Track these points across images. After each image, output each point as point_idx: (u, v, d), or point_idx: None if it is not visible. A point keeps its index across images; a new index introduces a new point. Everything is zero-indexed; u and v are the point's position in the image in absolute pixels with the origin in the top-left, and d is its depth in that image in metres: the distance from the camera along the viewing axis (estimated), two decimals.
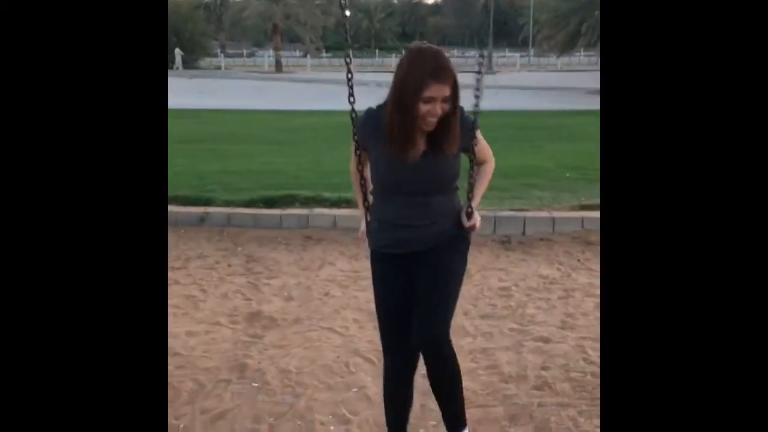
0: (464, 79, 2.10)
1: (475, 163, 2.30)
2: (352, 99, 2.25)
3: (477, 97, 2.21)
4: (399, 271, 2.30)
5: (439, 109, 2.07)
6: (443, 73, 2.05)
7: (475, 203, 2.31)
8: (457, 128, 2.15)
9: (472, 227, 2.27)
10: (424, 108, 2.06)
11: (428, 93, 2.04)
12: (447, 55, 2.16)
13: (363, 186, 2.36)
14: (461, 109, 2.18)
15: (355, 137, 2.25)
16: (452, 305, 2.27)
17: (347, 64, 2.23)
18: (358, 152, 2.28)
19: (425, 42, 2.23)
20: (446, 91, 2.06)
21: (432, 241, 2.25)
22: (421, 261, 2.26)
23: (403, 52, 2.19)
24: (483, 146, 2.31)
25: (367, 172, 2.32)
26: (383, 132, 2.15)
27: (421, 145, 2.17)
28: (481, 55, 2.34)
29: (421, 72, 2.04)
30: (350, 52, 2.27)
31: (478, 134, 2.25)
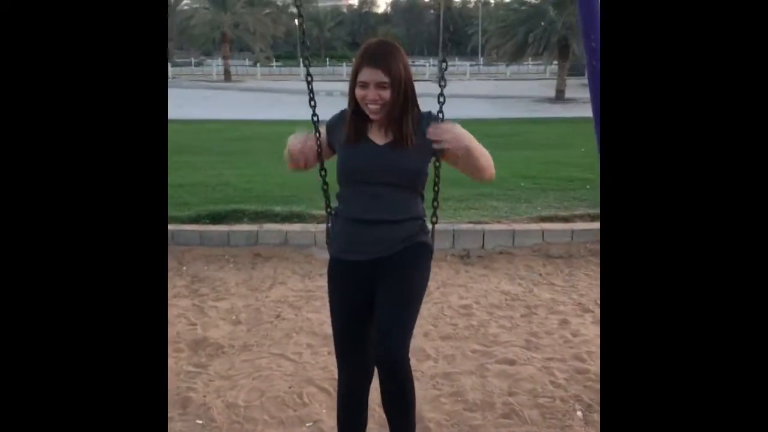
0: (417, 87, 2.08)
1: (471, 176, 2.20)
2: (312, 103, 2.21)
3: (441, 103, 2.14)
4: (358, 282, 2.19)
5: (374, 95, 2.05)
6: (376, 58, 2.05)
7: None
8: (409, 122, 2.10)
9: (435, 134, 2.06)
10: (360, 93, 2.07)
11: (361, 77, 2.06)
12: (396, 47, 2.12)
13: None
14: (426, 113, 2.15)
15: (316, 121, 2.22)
16: (413, 323, 2.17)
17: (306, 67, 2.25)
18: (317, 133, 2.20)
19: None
20: (380, 77, 2.04)
21: (396, 246, 2.15)
22: (382, 272, 2.15)
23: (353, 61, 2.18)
24: (475, 150, 2.10)
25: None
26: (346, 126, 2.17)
27: (379, 137, 2.14)
28: (444, 61, 2.27)
29: (358, 57, 2.09)
30: (308, 55, 2.29)
31: (470, 140, 2.09)
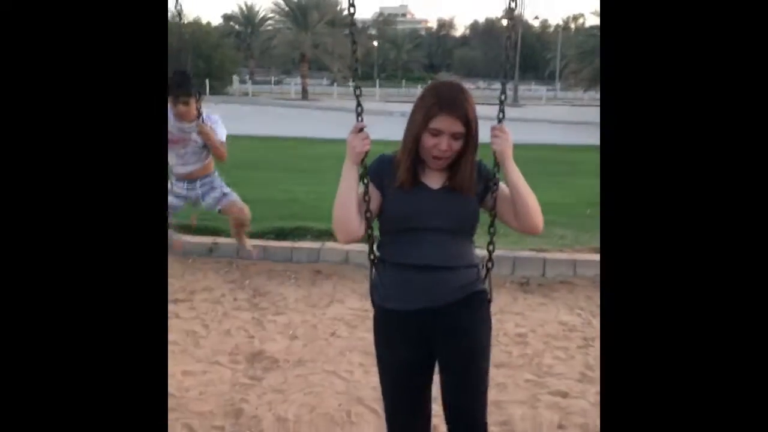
0: (490, 110, 1.98)
1: (517, 226, 2.06)
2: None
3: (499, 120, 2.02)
4: (412, 333, 2.02)
5: (445, 145, 1.91)
6: (455, 105, 1.89)
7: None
8: (472, 169, 1.98)
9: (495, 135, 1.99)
10: (430, 141, 1.91)
11: (435, 124, 1.89)
12: (469, 88, 1.99)
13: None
14: (479, 161, 2.02)
15: (371, 173, 2.03)
16: (486, 388, 2.05)
17: (357, 96, 2.04)
18: (366, 180, 2.00)
19: (451, 75, 2.07)
20: (457, 127, 1.90)
21: (452, 295, 1.99)
22: (441, 323, 2.00)
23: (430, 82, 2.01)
24: (520, 179, 2.00)
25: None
26: (394, 172, 1.99)
27: (437, 180, 2.00)
28: (503, 92, 2.07)
29: (432, 102, 1.90)
30: (358, 83, 2.09)
31: (512, 161, 2.00)
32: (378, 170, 2.02)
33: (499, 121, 2.02)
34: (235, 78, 42.82)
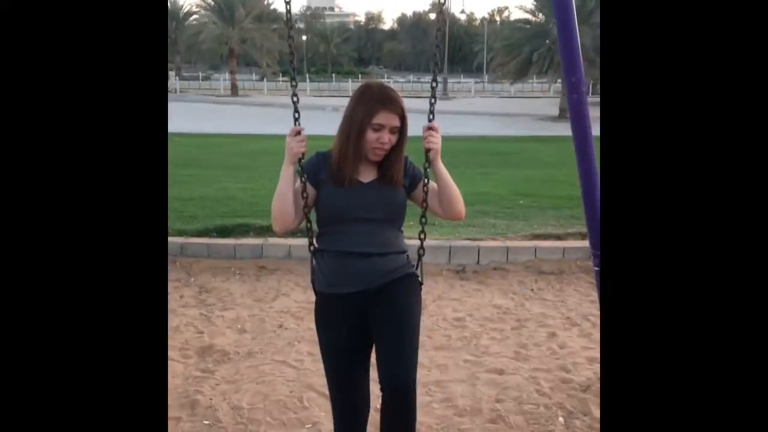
0: (420, 104, 2.11)
1: (441, 212, 2.28)
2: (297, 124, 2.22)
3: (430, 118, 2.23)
4: (350, 315, 2.22)
5: (386, 138, 2.13)
6: (392, 103, 2.13)
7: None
8: (401, 163, 2.20)
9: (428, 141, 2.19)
10: (373, 136, 2.12)
11: (377, 120, 2.11)
12: (398, 81, 2.21)
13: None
14: (407, 158, 2.23)
15: (306, 173, 2.21)
16: (416, 351, 2.20)
17: (293, 87, 2.22)
18: (303, 178, 2.20)
19: (381, 68, 2.27)
20: (395, 121, 2.13)
21: (385, 277, 2.20)
22: (376, 305, 2.19)
23: (360, 76, 2.22)
24: (446, 174, 2.23)
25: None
26: (331, 167, 2.18)
27: (369, 174, 2.20)
28: (435, 80, 2.29)
29: (371, 101, 2.12)
30: (295, 75, 2.29)
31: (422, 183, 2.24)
32: (314, 167, 2.21)
33: (430, 121, 2.23)
34: (171, 74, 41.93)
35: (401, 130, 2.16)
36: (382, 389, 2.14)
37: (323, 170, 2.20)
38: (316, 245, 2.29)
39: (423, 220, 2.28)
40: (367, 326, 2.21)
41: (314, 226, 2.28)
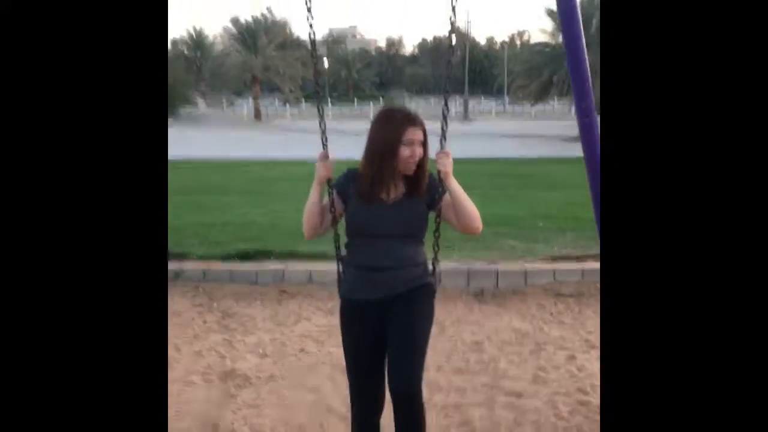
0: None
1: (457, 226, 2.46)
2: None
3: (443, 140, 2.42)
4: (369, 319, 2.44)
5: (418, 152, 2.34)
6: (416, 119, 2.38)
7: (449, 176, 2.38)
8: (426, 176, 2.41)
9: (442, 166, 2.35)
10: (405, 151, 2.33)
11: (408, 136, 2.32)
12: (419, 104, 2.39)
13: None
14: (431, 174, 2.42)
15: (338, 187, 2.46)
16: (424, 357, 2.42)
17: (320, 114, 2.50)
18: (332, 194, 2.45)
19: (403, 92, 2.47)
20: (420, 135, 2.36)
21: (402, 286, 2.41)
22: (391, 311, 2.40)
23: (381, 100, 2.42)
24: (462, 193, 2.41)
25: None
26: (358, 185, 2.41)
27: (394, 191, 2.41)
28: (446, 103, 2.47)
29: (397, 120, 2.35)
30: (323, 102, 2.61)
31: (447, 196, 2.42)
32: (344, 184, 2.47)
33: (443, 142, 2.43)
34: (200, 100, 42.81)
35: (425, 144, 2.37)
36: (391, 396, 2.36)
37: (351, 186, 2.44)
38: (343, 254, 2.54)
39: (436, 234, 2.48)
40: (384, 328, 2.42)
41: (343, 237, 2.53)
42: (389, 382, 2.37)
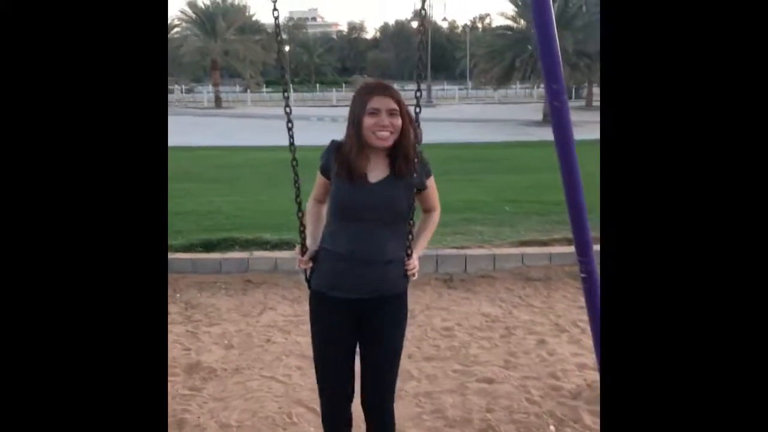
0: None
1: (423, 208, 2.42)
2: (291, 136, 2.35)
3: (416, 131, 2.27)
4: (341, 317, 2.32)
5: (386, 120, 2.17)
6: (384, 87, 2.23)
7: (417, 251, 2.34)
8: (412, 155, 2.23)
9: (411, 273, 2.31)
10: (370, 121, 2.17)
11: (372, 104, 2.16)
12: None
13: (316, 223, 2.40)
14: (420, 151, 2.27)
15: (321, 161, 2.34)
16: (396, 374, 2.41)
17: (285, 99, 2.36)
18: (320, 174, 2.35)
19: (365, 77, 2.39)
20: (390, 104, 2.17)
21: (380, 289, 2.27)
22: (367, 316, 2.30)
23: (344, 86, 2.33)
24: (434, 192, 2.41)
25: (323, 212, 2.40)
26: (339, 159, 2.26)
27: (379, 171, 2.24)
28: (419, 90, 2.30)
29: (364, 92, 2.22)
30: (290, 87, 2.40)
31: (431, 180, 2.35)
32: (326, 162, 2.32)
33: (417, 122, 2.27)
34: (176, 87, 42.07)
35: (402, 114, 2.19)
36: (363, 407, 2.37)
37: (333, 162, 2.29)
38: (323, 242, 2.35)
39: (410, 236, 2.32)
40: (357, 328, 2.33)
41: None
42: (362, 394, 2.37)
